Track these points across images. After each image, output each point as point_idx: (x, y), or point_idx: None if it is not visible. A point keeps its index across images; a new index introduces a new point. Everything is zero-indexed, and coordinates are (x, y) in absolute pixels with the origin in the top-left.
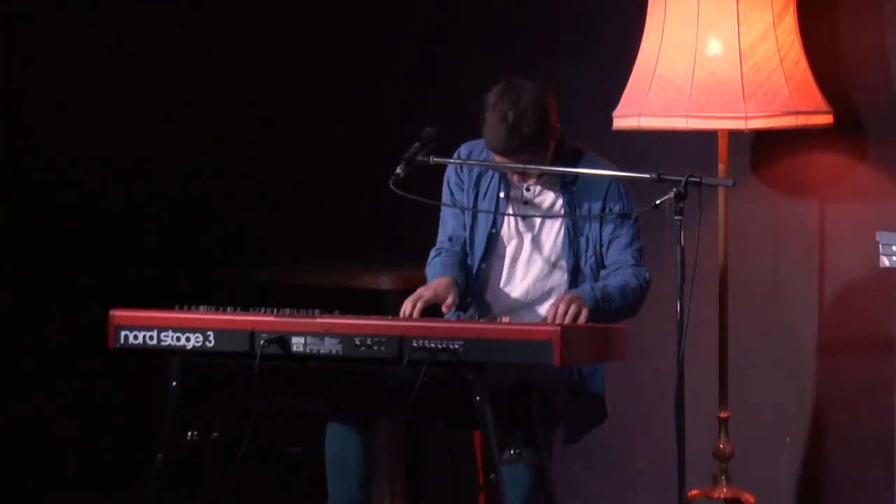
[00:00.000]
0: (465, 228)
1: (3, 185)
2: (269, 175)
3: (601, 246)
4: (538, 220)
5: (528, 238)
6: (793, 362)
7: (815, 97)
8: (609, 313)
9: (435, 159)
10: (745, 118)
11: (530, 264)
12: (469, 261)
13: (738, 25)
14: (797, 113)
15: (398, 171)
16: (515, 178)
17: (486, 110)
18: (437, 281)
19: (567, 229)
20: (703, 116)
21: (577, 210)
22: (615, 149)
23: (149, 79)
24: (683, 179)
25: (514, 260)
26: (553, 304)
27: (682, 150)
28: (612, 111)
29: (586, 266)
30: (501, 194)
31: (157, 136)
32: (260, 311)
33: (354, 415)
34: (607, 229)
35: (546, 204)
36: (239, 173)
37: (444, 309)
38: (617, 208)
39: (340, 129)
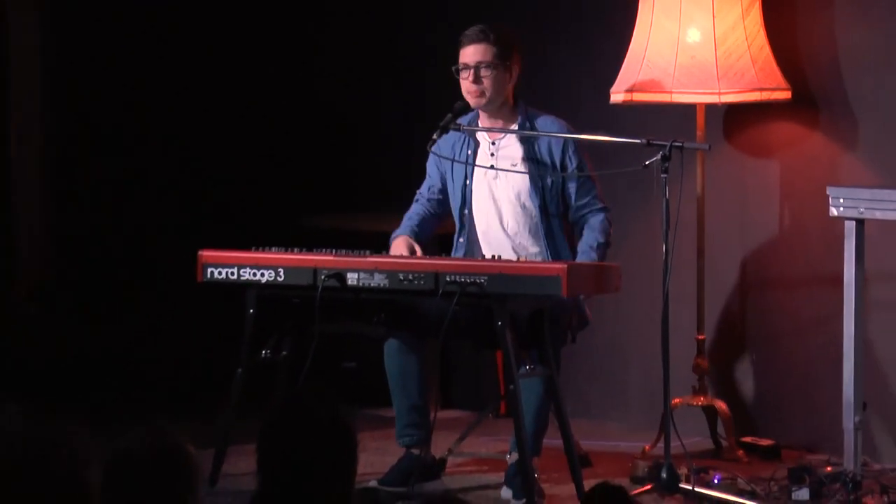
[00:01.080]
0: (438, 191)
1: (113, 150)
2: (332, 142)
3: (564, 191)
4: (505, 172)
5: (498, 185)
6: (757, 294)
7: (777, 76)
8: (604, 259)
9: (464, 127)
10: (719, 94)
11: (506, 207)
12: (454, 210)
13: (713, 18)
14: (761, 89)
15: (434, 136)
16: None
17: None
18: (397, 243)
19: (531, 176)
20: (684, 92)
21: (538, 157)
22: (612, 119)
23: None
24: (668, 144)
25: (491, 205)
26: None
27: (667, 120)
28: (609, 89)
29: (552, 204)
30: (469, 151)
31: (243, 110)
32: (321, 251)
33: (412, 336)
34: (571, 183)
35: (511, 155)
36: (306, 141)
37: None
38: (574, 162)
39: (391, 112)
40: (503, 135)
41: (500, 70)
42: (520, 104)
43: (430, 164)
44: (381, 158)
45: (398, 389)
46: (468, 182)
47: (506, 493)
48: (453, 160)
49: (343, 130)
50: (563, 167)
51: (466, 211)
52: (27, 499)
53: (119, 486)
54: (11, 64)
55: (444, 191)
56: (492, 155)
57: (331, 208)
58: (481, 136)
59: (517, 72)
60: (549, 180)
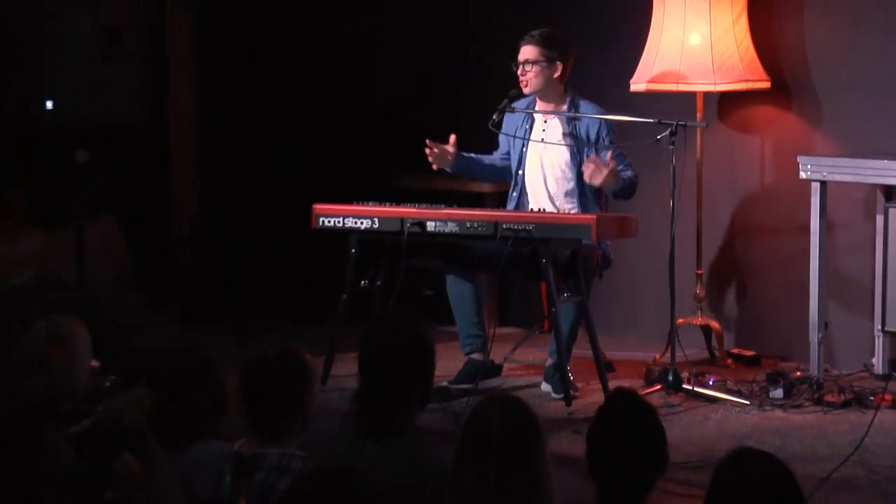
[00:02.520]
0: (505, 153)
1: (246, 126)
2: (416, 119)
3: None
4: (552, 145)
5: (546, 156)
6: (742, 239)
7: (759, 70)
8: (626, 185)
9: (517, 109)
10: (714, 84)
11: (549, 172)
12: (512, 170)
13: (710, 25)
14: (747, 80)
15: (494, 116)
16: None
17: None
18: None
19: (571, 149)
20: (688, 83)
21: (578, 134)
22: (631, 104)
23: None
24: (675, 123)
25: (539, 170)
26: (596, 163)
27: (674, 104)
28: (629, 80)
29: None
30: (527, 126)
31: (344, 96)
32: (407, 205)
33: (466, 269)
34: (604, 153)
35: (558, 131)
36: (395, 117)
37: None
38: (608, 141)
39: (461, 96)
40: (553, 115)
41: (544, 66)
42: (568, 91)
43: (501, 135)
44: (453, 131)
45: (458, 310)
46: (524, 150)
47: (545, 387)
48: (513, 136)
49: (426, 109)
50: (598, 143)
51: (521, 172)
52: (181, 396)
53: (253, 383)
54: (168, 49)
55: (508, 154)
56: (543, 130)
57: (414, 170)
58: (537, 115)
59: (561, 67)
60: (584, 154)
